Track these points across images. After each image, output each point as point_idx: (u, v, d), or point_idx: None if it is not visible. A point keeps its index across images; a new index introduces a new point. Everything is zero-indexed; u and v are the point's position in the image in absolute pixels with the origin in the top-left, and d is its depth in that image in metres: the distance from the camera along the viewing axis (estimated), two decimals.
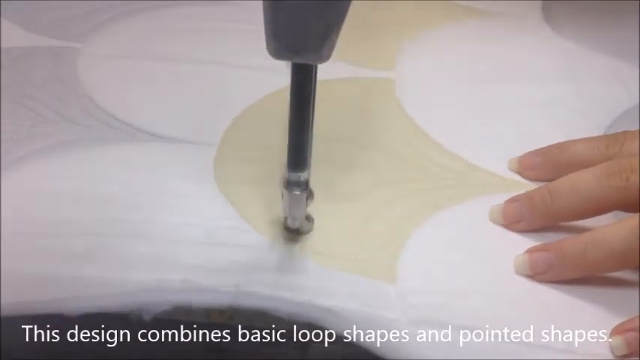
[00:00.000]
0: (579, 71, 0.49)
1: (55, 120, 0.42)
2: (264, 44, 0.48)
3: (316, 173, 0.33)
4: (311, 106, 0.31)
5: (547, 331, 0.32)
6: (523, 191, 0.38)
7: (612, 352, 0.31)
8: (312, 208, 0.35)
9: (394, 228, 0.36)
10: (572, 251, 0.33)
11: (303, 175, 0.32)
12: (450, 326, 0.32)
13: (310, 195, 0.33)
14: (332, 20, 0.27)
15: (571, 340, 0.31)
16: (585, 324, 0.32)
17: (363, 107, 0.45)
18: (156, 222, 0.35)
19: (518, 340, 0.31)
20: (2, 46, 0.48)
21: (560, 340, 0.31)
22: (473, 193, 0.39)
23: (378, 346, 0.30)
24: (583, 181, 0.35)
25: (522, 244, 0.36)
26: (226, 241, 0.35)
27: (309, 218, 0.36)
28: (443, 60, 0.50)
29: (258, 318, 0.31)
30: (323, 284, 0.33)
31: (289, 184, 0.32)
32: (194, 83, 0.46)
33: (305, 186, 0.32)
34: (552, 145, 0.40)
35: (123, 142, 0.41)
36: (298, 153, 0.32)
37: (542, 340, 0.31)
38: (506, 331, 0.32)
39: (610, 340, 0.31)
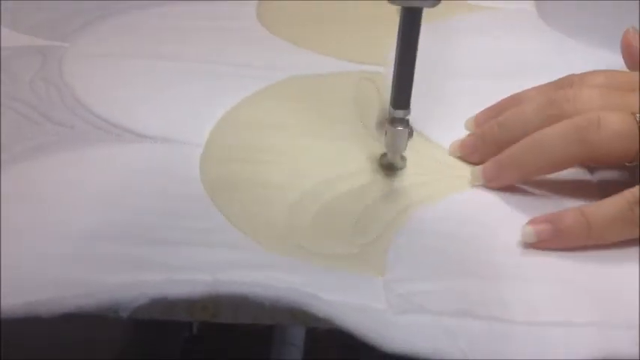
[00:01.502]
0: (574, 66, 0.48)
1: (38, 121, 0.42)
2: (251, 42, 0.48)
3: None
4: (416, 49, 0.35)
5: (537, 309, 0.31)
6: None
7: (522, 238, 0.34)
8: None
9: (386, 222, 0.36)
10: (508, 154, 0.37)
11: (406, 113, 0.36)
12: (438, 313, 0.31)
13: (411, 132, 0.37)
14: None
15: (566, 315, 0.31)
16: (575, 296, 0.32)
17: (354, 102, 0.44)
18: (137, 223, 0.35)
19: (508, 321, 0.31)
20: None
21: (553, 316, 0.31)
22: (463, 185, 0.39)
23: (365, 334, 0.30)
24: (524, 112, 0.39)
25: (510, 233, 0.35)
26: (206, 242, 0.34)
27: (402, 157, 0.39)
28: (434, 55, 0.49)
29: (242, 311, 0.30)
30: (307, 278, 0.32)
31: (393, 121, 0.37)
32: (181, 82, 0.46)
33: (407, 123, 0.37)
34: (504, 99, 0.42)
35: (108, 143, 0.40)
36: (403, 92, 0.36)
37: (534, 319, 0.31)
38: (496, 314, 0.31)
39: (523, 227, 0.35)
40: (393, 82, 0.36)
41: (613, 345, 0.30)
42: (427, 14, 0.54)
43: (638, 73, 0.41)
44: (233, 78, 0.46)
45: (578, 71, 0.45)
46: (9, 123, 0.41)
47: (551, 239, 0.34)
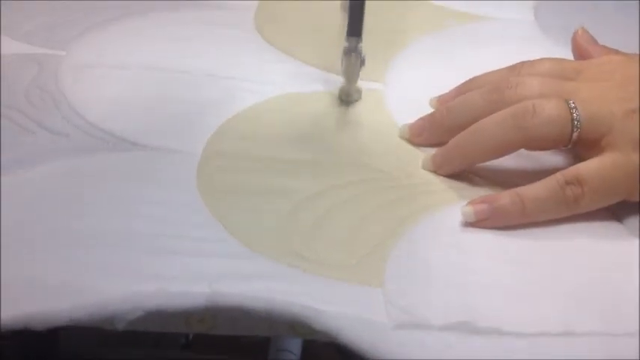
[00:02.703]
0: None
1: (34, 130, 0.41)
2: (248, 53, 0.48)
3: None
4: None
5: (539, 319, 0.31)
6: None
7: (462, 217, 0.36)
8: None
9: (384, 232, 0.36)
10: (454, 141, 0.39)
11: (358, 42, 0.41)
12: (439, 328, 0.31)
13: (362, 60, 0.42)
14: None
15: (568, 326, 0.31)
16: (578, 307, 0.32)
17: (353, 119, 0.44)
18: (134, 232, 0.34)
19: (511, 334, 0.31)
20: None
21: (554, 326, 0.31)
22: (461, 197, 0.38)
23: (365, 348, 0.29)
24: (471, 97, 0.41)
25: (511, 244, 0.35)
26: (204, 251, 0.34)
27: (358, 89, 0.45)
28: (434, 69, 0.50)
29: (239, 323, 0.30)
30: (305, 289, 0.32)
31: (348, 50, 0.42)
32: (177, 92, 0.45)
33: (359, 52, 0.42)
34: (467, 80, 0.45)
35: (104, 152, 0.40)
36: (357, 20, 0.41)
37: (536, 330, 0.31)
38: (498, 327, 0.31)
39: (462, 208, 0.37)
40: (349, 11, 0.40)
41: (615, 354, 0.30)
42: (424, 25, 0.55)
43: (582, 62, 0.42)
44: (230, 89, 0.46)
45: None
46: (3, 131, 0.41)
47: (489, 217, 0.36)
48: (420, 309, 0.31)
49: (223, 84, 0.46)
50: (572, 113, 0.37)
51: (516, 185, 0.38)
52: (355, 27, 0.41)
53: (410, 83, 0.48)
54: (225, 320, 0.30)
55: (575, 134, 0.37)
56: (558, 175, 0.37)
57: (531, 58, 0.50)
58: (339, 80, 0.45)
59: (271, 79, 0.47)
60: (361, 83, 0.46)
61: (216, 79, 0.47)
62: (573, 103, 0.37)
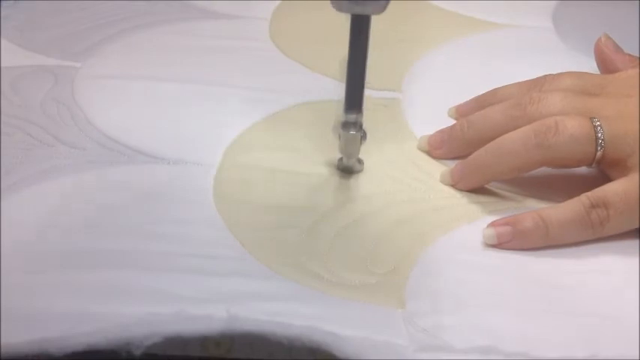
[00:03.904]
0: None
1: (50, 143, 0.41)
2: (264, 64, 0.48)
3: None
4: (366, 53, 0.36)
5: (565, 343, 0.31)
6: (533, 208, 0.37)
7: (484, 240, 0.35)
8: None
9: (403, 250, 0.35)
10: (474, 157, 0.39)
11: (358, 117, 0.37)
12: (463, 351, 0.30)
13: (364, 135, 0.38)
14: None
15: (594, 348, 0.30)
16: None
17: (370, 129, 0.44)
18: (149, 251, 0.34)
19: (536, 358, 0.30)
20: (2, 65, 0.47)
21: (579, 350, 0.30)
22: (482, 213, 0.38)
23: None
24: (492, 112, 0.40)
25: (535, 264, 0.35)
26: (222, 270, 0.33)
27: (359, 160, 0.40)
28: (451, 78, 0.49)
29: (257, 347, 0.29)
30: (325, 312, 0.31)
31: (345, 125, 0.37)
32: (194, 104, 0.45)
33: (359, 127, 0.37)
34: (487, 91, 0.44)
35: (120, 165, 0.40)
36: (355, 95, 0.37)
37: (561, 354, 0.30)
38: (523, 350, 0.30)
39: (484, 230, 0.36)
40: (346, 85, 0.37)
41: None
42: (441, 33, 0.54)
43: (606, 76, 0.41)
44: (246, 101, 0.45)
45: None
46: (19, 145, 0.41)
47: (511, 240, 0.35)
48: (443, 331, 0.31)
49: (240, 95, 0.46)
50: (596, 132, 0.36)
51: (540, 197, 0.37)
52: (354, 100, 0.37)
53: (428, 92, 0.47)
54: (243, 345, 0.29)
55: (599, 153, 0.36)
56: (583, 198, 0.36)
57: (550, 66, 0.49)
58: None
59: (287, 89, 0.47)
60: (378, 93, 0.46)
61: (233, 89, 0.46)
62: (598, 121, 0.36)
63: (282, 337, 0.28)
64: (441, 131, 0.42)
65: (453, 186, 0.39)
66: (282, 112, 0.45)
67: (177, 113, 0.44)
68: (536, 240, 0.35)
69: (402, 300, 0.32)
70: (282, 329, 0.29)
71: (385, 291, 0.33)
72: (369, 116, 0.44)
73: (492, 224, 0.36)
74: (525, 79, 0.43)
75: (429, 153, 0.42)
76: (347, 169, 0.40)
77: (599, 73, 0.44)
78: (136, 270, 0.33)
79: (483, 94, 0.44)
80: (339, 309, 0.32)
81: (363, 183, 0.39)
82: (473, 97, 0.44)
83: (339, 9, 0.34)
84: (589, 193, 0.36)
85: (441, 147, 0.41)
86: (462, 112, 0.44)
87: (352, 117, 0.37)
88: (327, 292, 0.33)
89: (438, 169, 0.41)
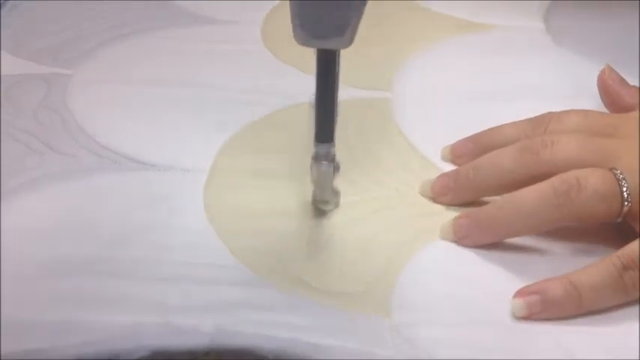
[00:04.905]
0: (583, 85, 0.47)
1: (42, 151, 0.41)
2: (256, 68, 0.47)
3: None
4: (335, 84, 0.34)
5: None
6: None
7: (512, 314, 0.32)
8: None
9: (391, 257, 0.35)
10: (486, 214, 0.36)
11: (330, 148, 0.35)
12: None
13: (337, 167, 0.36)
14: (351, 10, 0.31)
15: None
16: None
17: (359, 129, 0.44)
18: (139, 260, 0.34)
19: None
20: None
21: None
22: None
23: None
24: (500, 157, 0.37)
25: (524, 272, 0.34)
26: (211, 278, 0.33)
27: (335, 192, 0.37)
28: (441, 78, 0.49)
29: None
30: (311, 321, 0.32)
31: (317, 157, 0.35)
32: (185, 109, 0.45)
33: (332, 158, 0.35)
34: (482, 131, 0.41)
35: (111, 172, 0.40)
36: (325, 126, 0.34)
37: None
38: None
39: (511, 301, 0.33)
40: (315, 116, 0.35)
41: None
42: (434, 33, 0.54)
43: (614, 115, 0.40)
44: (237, 104, 0.45)
45: (587, 91, 0.44)
46: (11, 152, 0.41)
47: (542, 311, 0.32)
48: (428, 342, 0.31)
49: (232, 98, 0.46)
50: (620, 186, 0.34)
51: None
52: (324, 132, 0.35)
53: (418, 92, 0.47)
54: (231, 357, 0.30)
55: (625, 208, 0.34)
56: (614, 259, 0.33)
57: (541, 67, 0.49)
58: (347, 93, 0.44)
59: (279, 92, 0.47)
60: (368, 92, 0.45)
61: (224, 93, 0.46)
62: (621, 173, 0.34)
63: (267, 351, 0.29)
64: (445, 176, 0.39)
65: (457, 242, 0.36)
66: (274, 114, 0.45)
67: (168, 119, 0.44)
68: (570, 309, 0.33)
69: (389, 309, 0.33)
70: (268, 342, 0.29)
71: (372, 299, 0.33)
72: (357, 116, 0.45)
73: (519, 294, 0.33)
74: (522, 119, 0.40)
75: (432, 200, 0.39)
76: (322, 203, 0.37)
77: (592, 77, 0.43)
78: (124, 278, 0.33)
79: (479, 134, 0.41)
80: (326, 318, 0.32)
81: (350, 189, 0.39)
82: (466, 137, 0.42)
83: (304, 43, 0.32)
84: (619, 254, 0.33)
85: (447, 194, 0.38)
86: (458, 154, 0.41)
87: (323, 149, 0.35)
88: (314, 299, 0.33)
89: (428, 172, 0.40)
